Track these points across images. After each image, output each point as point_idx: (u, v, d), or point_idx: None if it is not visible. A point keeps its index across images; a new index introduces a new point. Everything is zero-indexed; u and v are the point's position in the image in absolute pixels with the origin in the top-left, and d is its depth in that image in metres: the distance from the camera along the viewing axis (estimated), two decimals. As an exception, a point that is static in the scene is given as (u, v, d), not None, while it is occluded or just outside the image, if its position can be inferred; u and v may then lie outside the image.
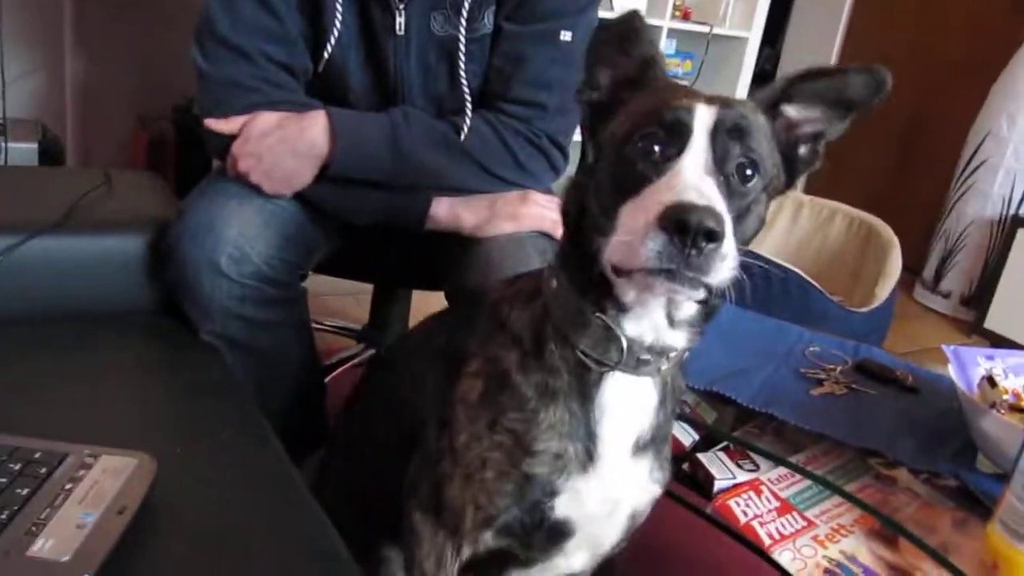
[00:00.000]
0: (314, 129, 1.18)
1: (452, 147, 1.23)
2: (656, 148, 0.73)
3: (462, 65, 1.24)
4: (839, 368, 1.40)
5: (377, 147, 1.20)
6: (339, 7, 1.20)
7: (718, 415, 1.30)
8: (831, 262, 2.84)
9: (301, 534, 0.85)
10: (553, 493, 0.83)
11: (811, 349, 1.47)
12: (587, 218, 0.79)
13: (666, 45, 3.15)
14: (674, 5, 3.08)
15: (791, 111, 0.83)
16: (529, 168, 1.27)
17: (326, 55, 1.23)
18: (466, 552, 0.90)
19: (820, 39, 4.09)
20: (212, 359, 1.15)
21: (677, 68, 3.30)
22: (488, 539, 0.88)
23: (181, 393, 1.06)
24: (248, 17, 1.19)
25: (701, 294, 0.72)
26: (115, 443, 0.86)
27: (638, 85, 0.81)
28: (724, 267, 0.68)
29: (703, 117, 0.73)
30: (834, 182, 3.79)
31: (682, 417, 1.26)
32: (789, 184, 0.85)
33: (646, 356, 0.81)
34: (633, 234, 0.69)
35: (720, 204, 0.69)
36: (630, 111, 0.78)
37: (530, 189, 1.28)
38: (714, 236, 0.65)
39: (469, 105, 1.25)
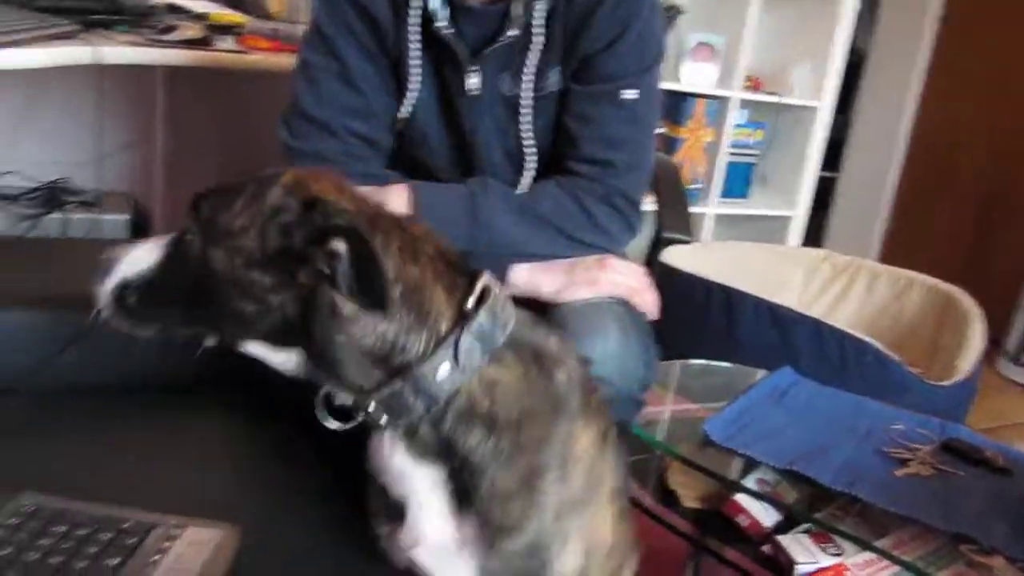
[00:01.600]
0: (395, 201, 1.20)
1: (529, 214, 1.24)
2: None
3: (521, 122, 1.27)
4: (925, 448, 1.36)
5: (456, 217, 1.21)
6: (419, 71, 1.24)
7: (798, 495, 1.26)
8: (908, 333, 2.76)
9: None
10: None
11: (894, 427, 1.43)
12: None
13: (737, 116, 3.16)
14: (745, 76, 3.09)
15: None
16: (607, 228, 1.27)
17: (407, 115, 1.27)
18: None
19: (892, 106, 4.05)
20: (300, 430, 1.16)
21: (748, 138, 3.30)
22: None
23: (268, 463, 1.07)
24: (332, 94, 1.24)
25: None
26: (201, 513, 0.87)
27: None
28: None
29: None
30: (911, 251, 3.72)
31: (762, 497, 1.24)
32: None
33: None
34: None
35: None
36: None
37: (609, 252, 1.29)
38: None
39: (533, 161, 1.28)
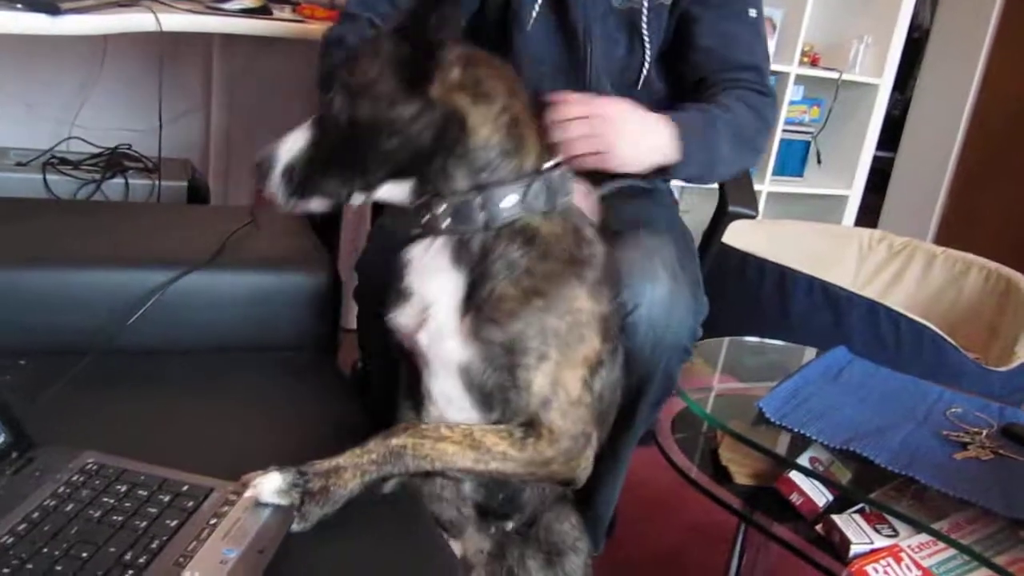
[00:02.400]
0: (664, 134, 1.19)
1: (737, 136, 1.29)
2: None
3: (645, 32, 1.35)
4: (984, 431, 1.33)
5: (708, 155, 1.25)
6: None
7: (852, 475, 1.25)
8: (966, 317, 2.71)
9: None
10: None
11: (952, 410, 1.40)
12: None
13: (793, 91, 3.09)
14: (802, 51, 3.03)
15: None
16: (771, 126, 1.39)
17: (528, 28, 1.34)
18: None
19: (954, 84, 3.94)
20: (354, 400, 1.18)
21: (804, 114, 3.24)
22: None
23: (324, 432, 1.07)
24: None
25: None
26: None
27: None
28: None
29: None
30: (969, 235, 3.63)
31: (815, 476, 1.22)
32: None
33: None
34: None
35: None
36: None
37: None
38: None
39: (648, 63, 1.37)
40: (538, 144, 1.00)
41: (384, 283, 1.10)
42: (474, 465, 0.95)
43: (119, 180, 2.03)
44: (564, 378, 0.97)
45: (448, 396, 1.02)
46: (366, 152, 0.95)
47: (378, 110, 0.93)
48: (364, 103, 0.93)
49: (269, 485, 0.85)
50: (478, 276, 0.97)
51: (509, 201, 0.96)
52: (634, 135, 1.15)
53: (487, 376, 0.97)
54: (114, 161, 2.09)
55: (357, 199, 1.00)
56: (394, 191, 0.99)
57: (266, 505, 0.84)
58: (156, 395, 1.10)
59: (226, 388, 1.15)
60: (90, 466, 0.88)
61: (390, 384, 1.16)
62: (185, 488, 0.86)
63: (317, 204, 1.00)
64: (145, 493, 0.84)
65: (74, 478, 0.85)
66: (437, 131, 0.93)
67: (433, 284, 0.99)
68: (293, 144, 0.98)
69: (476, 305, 0.96)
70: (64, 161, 2.05)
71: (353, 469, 0.90)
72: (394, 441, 0.93)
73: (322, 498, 0.87)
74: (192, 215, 1.62)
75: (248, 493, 0.85)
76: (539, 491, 1.13)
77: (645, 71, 1.38)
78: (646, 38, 1.36)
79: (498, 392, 0.97)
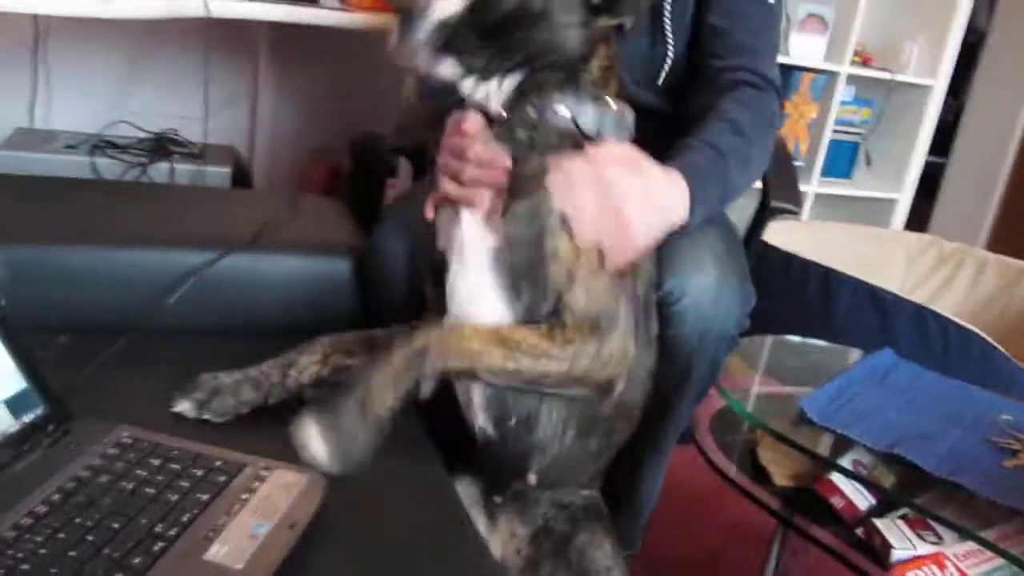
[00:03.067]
0: (675, 194, 1.06)
1: (744, 157, 1.20)
2: None
3: (668, 23, 1.31)
4: (1035, 439, 1.29)
5: (712, 185, 1.13)
6: None
7: (896, 479, 1.21)
8: (1017, 326, 2.64)
9: (464, 560, 0.84)
10: None
11: (1003, 417, 1.36)
12: None
13: (844, 92, 3.03)
14: (854, 50, 2.97)
15: None
16: (775, 120, 1.30)
17: None
18: None
19: (1010, 90, 3.85)
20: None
21: (855, 115, 3.18)
22: None
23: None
24: None
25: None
26: (288, 458, 0.88)
27: None
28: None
29: None
30: (1021, 242, 3.55)
31: (858, 478, 1.19)
32: None
33: None
34: None
35: None
36: None
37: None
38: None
39: (670, 57, 1.32)
40: (615, 91, 1.08)
41: (400, 259, 1.10)
42: (505, 363, 0.97)
43: (164, 164, 2.05)
44: (585, 252, 1.00)
45: (475, 292, 1.03)
46: (520, 34, 0.98)
47: (552, 6, 0.98)
48: None
49: (318, 450, 0.88)
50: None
51: (587, 115, 1.03)
52: (645, 212, 1.00)
53: (515, 250, 1.00)
54: (160, 146, 2.12)
55: (471, 85, 1.02)
56: (505, 85, 1.02)
57: (297, 480, 0.84)
58: (193, 375, 1.10)
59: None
60: (125, 440, 0.88)
61: None
62: (218, 463, 0.86)
63: (448, 70, 0.99)
64: (178, 467, 0.84)
65: (109, 451, 0.86)
66: (577, 46, 1.01)
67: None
68: (449, 4, 0.97)
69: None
70: (111, 145, 2.08)
71: (384, 384, 0.92)
72: (416, 343, 0.95)
73: (363, 426, 0.89)
74: (234, 199, 1.63)
75: (301, 451, 0.88)
76: (558, 432, 1.09)
77: (668, 65, 1.32)
78: (668, 30, 1.31)
79: (526, 266, 1.00)
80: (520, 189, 1.00)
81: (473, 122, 1.04)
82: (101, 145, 2.07)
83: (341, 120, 2.61)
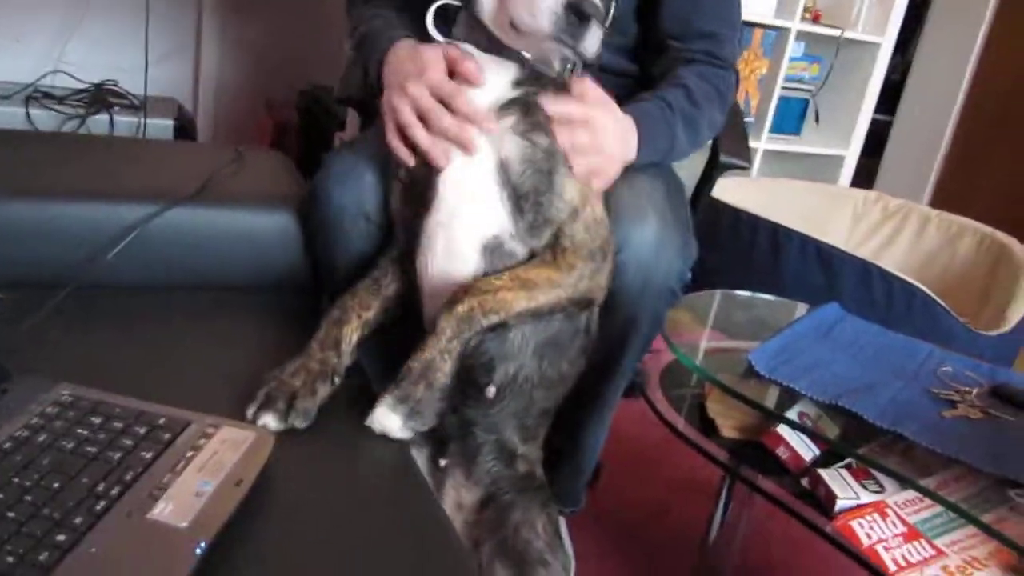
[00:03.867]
0: (630, 132, 1.17)
1: (692, 120, 1.26)
2: None
3: None
4: (974, 391, 1.32)
5: (660, 137, 1.23)
6: None
7: (840, 431, 1.24)
8: (958, 281, 2.71)
9: (414, 520, 0.84)
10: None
11: (943, 369, 1.39)
12: None
13: (794, 48, 3.05)
14: (804, 7, 2.98)
15: None
16: (728, 98, 1.34)
17: None
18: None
19: (955, 49, 3.90)
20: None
21: (804, 72, 3.20)
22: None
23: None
24: None
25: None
26: (234, 415, 0.87)
27: None
28: (594, 40, 0.99)
29: None
30: (964, 198, 3.62)
31: (803, 430, 1.21)
32: None
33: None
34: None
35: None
36: None
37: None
38: (589, 17, 0.96)
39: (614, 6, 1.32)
40: None
41: (344, 206, 1.12)
42: (528, 304, 1.03)
43: (104, 116, 1.98)
44: (590, 197, 1.07)
45: (456, 247, 1.05)
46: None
47: None
48: None
49: (392, 424, 0.95)
50: (532, 93, 1.05)
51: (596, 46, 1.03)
52: (619, 146, 1.14)
53: (525, 176, 1.03)
54: (99, 97, 2.05)
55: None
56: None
57: (244, 437, 0.83)
58: (135, 331, 1.08)
59: (206, 327, 1.13)
60: (65, 398, 0.86)
61: None
62: (161, 421, 0.84)
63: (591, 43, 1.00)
64: (120, 425, 0.82)
65: (48, 409, 0.83)
66: None
67: (490, 80, 1.05)
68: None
69: (523, 107, 1.04)
70: (48, 95, 2.01)
71: (440, 355, 0.99)
72: (460, 309, 1.00)
73: (428, 396, 0.97)
74: (177, 152, 1.58)
75: (376, 428, 0.96)
76: (523, 345, 1.10)
77: (612, 11, 1.32)
78: None
79: (533, 194, 1.03)
80: (537, 120, 1.04)
81: (473, 67, 1.04)
82: (36, 96, 2.00)
83: (288, 72, 2.56)
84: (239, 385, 0.96)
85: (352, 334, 1.06)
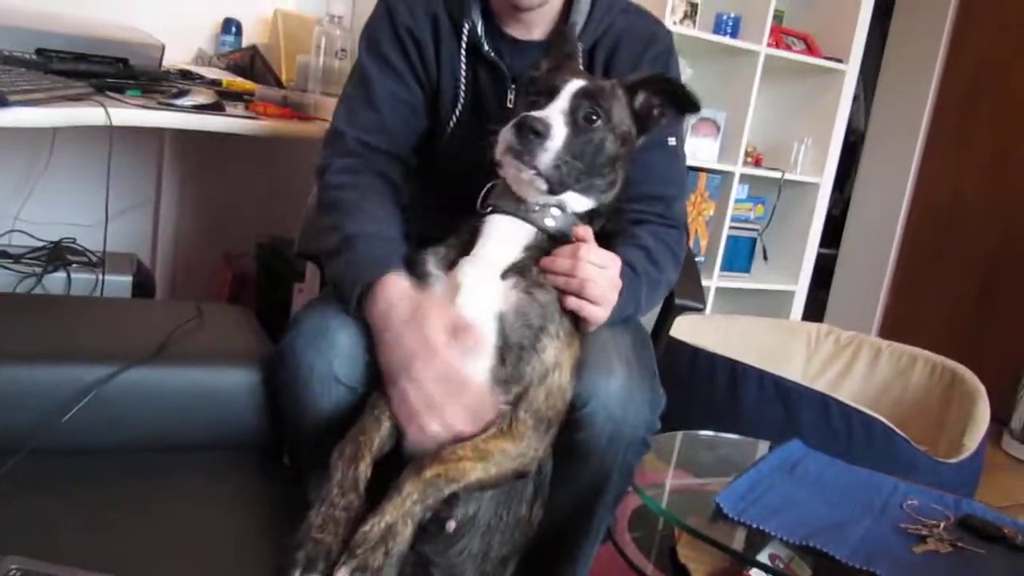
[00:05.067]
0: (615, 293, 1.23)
1: (654, 281, 1.30)
2: (538, 99, 1.17)
3: None
4: (941, 524, 1.32)
5: (633, 306, 1.27)
6: (463, 88, 1.37)
7: (813, 571, 1.23)
8: (914, 410, 2.74)
9: None
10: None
11: (909, 502, 1.40)
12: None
13: (739, 190, 3.17)
14: (746, 151, 3.12)
15: (642, 95, 1.24)
16: (679, 257, 1.39)
17: (450, 128, 1.39)
18: None
19: (890, 183, 4.08)
20: (298, 494, 1.13)
21: (750, 212, 3.32)
22: None
23: (267, 529, 1.04)
24: (355, 112, 1.35)
25: (531, 173, 1.13)
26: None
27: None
28: (546, 157, 1.11)
29: (572, 86, 1.17)
30: (912, 328, 3.71)
31: (775, 573, 1.20)
32: (639, 133, 1.26)
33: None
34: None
35: (555, 122, 1.12)
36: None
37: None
38: (538, 133, 1.09)
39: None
40: None
41: (314, 365, 1.12)
42: (484, 474, 1.05)
43: (61, 274, 1.98)
44: (563, 362, 1.12)
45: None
46: (595, 158, 1.17)
47: (618, 135, 1.20)
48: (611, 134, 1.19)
49: None
50: (532, 259, 1.17)
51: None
52: (612, 294, 1.20)
53: (516, 328, 1.10)
54: (56, 255, 2.04)
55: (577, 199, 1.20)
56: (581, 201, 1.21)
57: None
58: (90, 497, 1.04)
59: (165, 489, 1.09)
60: (13, 573, 0.82)
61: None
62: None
63: (576, 201, 1.21)
64: (74, 601, 0.79)
65: (-4, 585, 0.80)
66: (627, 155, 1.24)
67: (502, 249, 1.17)
68: (559, 133, 1.13)
69: (521, 271, 1.15)
70: (3, 254, 2.00)
71: (402, 518, 0.97)
72: (428, 474, 1.00)
73: (387, 565, 0.94)
74: (135, 309, 1.58)
75: None
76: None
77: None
78: None
79: (517, 348, 1.10)
80: (538, 280, 1.14)
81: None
82: (-9, 255, 1.99)
83: (247, 225, 2.59)
84: (202, 547, 0.93)
85: (367, 471, 1.05)
